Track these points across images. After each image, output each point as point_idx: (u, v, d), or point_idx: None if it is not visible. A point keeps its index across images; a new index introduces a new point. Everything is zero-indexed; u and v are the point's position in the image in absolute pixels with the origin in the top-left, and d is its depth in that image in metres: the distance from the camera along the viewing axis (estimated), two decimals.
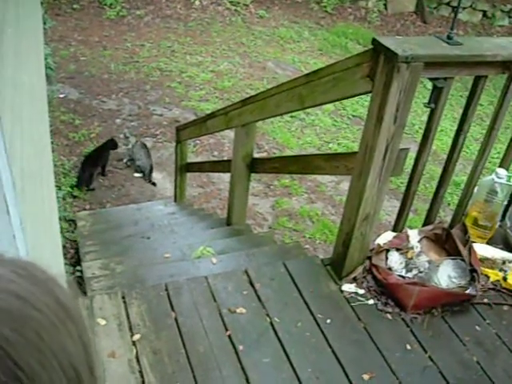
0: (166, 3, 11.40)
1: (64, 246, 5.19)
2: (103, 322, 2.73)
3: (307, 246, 5.83)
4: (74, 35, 10.14)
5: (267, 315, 2.82)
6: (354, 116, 8.68)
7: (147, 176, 6.78)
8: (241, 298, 2.91)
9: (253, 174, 4.33)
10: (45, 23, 6.23)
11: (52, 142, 6.70)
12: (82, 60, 9.46)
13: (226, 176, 4.83)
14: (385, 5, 12.68)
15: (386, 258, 3.07)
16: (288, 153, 7.46)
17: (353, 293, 2.98)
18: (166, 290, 2.94)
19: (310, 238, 6.04)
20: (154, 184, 6.74)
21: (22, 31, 2.23)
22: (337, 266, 3.07)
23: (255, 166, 4.15)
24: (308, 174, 3.54)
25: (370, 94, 2.58)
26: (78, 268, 4.15)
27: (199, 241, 4.10)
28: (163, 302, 2.86)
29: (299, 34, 11.54)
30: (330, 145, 7.88)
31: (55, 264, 2.66)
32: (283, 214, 6.39)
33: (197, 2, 11.54)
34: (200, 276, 3.09)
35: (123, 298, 2.91)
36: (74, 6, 10.79)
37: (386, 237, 3.18)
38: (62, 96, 8.19)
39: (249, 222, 5.53)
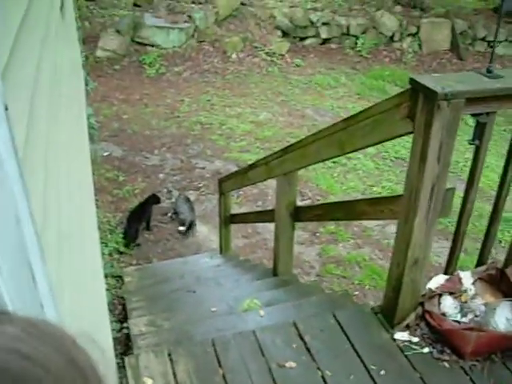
0: (204, 58, 11.62)
1: (112, 303, 5.19)
2: (150, 382, 2.67)
3: (356, 293, 5.68)
4: (115, 95, 10.40)
5: (318, 368, 2.70)
6: (396, 158, 8.56)
7: (187, 229, 6.79)
8: (290, 351, 2.81)
9: (298, 223, 4.26)
10: (87, 85, 6.37)
11: (97, 200, 6.80)
12: (125, 118, 9.66)
13: (271, 225, 4.77)
14: (419, 45, 12.67)
15: (439, 303, 2.93)
16: (332, 199, 7.37)
17: (406, 341, 2.85)
18: (213, 345, 2.87)
19: (358, 284, 5.89)
20: (180, 232, 6.75)
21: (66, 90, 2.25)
22: (388, 314, 2.95)
23: (299, 214, 4.09)
24: (353, 219, 3.45)
25: (411, 135, 2.51)
26: (126, 325, 4.12)
27: (246, 293, 4.02)
28: (210, 359, 2.78)
29: (336, 79, 11.58)
30: (374, 188, 7.77)
31: (100, 323, 2.61)
32: (330, 261, 6.26)
33: (233, 56, 11.74)
34: (247, 330, 3.01)
35: (169, 355, 2.84)
36: (115, 67, 11.09)
37: (438, 280, 3.04)
38: (105, 154, 8.34)
39: (296, 270, 5.44)
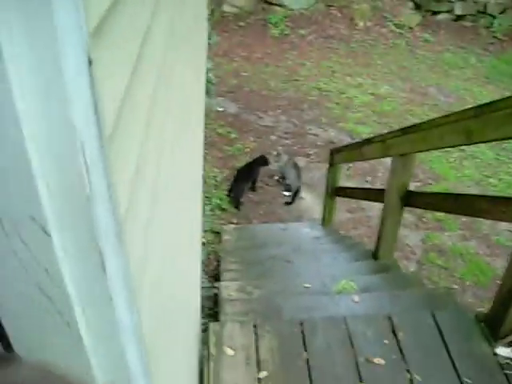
0: (330, 23, 11.26)
1: (207, 258, 5.19)
2: (231, 353, 2.56)
3: (455, 286, 5.35)
4: (237, 51, 10.31)
5: (407, 371, 2.49)
6: None
7: (293, 195, 6.65)
8: (380, 346, 2.61)
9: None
10: (209, 38, 6.31)
11: (206, 154, 6.82)
12: (243, 75, 9.57)
13: (377, 204, 4.55)
14: None
15: None
16: (444, 185, 6.97)
17: (509, 359, 2.57)
18: (301, 326, 2.71)
19: (460, 278, 5.54)
20: (287, 203, 6.63)
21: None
22: (493, 325, 2.67)
23: (410, 199, 3.82)
24: (468, 215, 3.14)
25: None
26: (217, 285, 4.07)
27: (342, 273, 3.84)
28: (296, 340, 2.63)
29: (465, 60, 10.90)
30: (491, 179, 7.26)
31: (191, 284, 2.53)
32: (433, 250, 5.93)
33: (360, 24, 11.29)
34: (339, 316, 2.83)
35: (255, 327, 2.72)
36: (240, 24, 10.98)
37: None
38: (220, 109, 8.30)
39: (396, 253, 5.18)
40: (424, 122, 3.28)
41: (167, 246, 1.58)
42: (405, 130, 3.55)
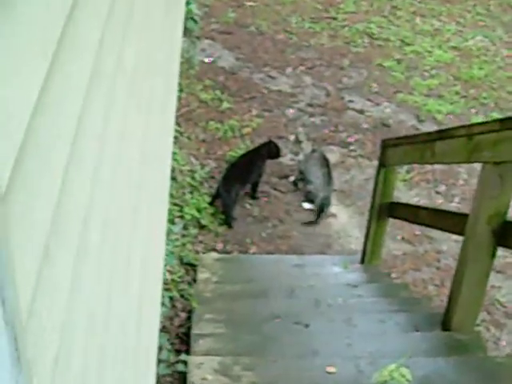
0: None
1: (172, 307, 5.12)
2: None
3: None
4: None
5: None
6: None
7: (317, 210, 6.58)
8: None
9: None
10: None
11: (180, 134, 6.72)
12: (247, 6, 9.50)
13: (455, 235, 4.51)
14: None
15: None
16: None
17: None
18: None
19: None
20: (308, 223, 6.60)
21: None
22: None
23: (507, 235, 3.74)
24: None
25: None
26: (184, 358, 4.03)
27: (391, 350, 3.81)
28: None
29: None
30: None
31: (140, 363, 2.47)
32: None
33: None
34: None
35: None
36: None
37: None
38: (207, 60, 8.24)
39: (481, 316, 5.12)
40: None
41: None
42: (506, 122, 3.47)
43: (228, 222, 6.35)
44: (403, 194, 6.55)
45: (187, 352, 4.07)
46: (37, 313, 1.10)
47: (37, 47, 1.13)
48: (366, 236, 5.92)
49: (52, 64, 1.19)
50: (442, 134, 4.35)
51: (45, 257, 1.17)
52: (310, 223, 6.56)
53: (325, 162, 6.72)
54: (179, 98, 4.72)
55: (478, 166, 3.96)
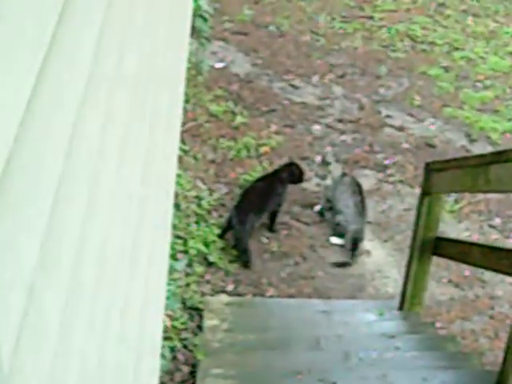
0: None
1: (172, 360, 5.11)
2: None
3: None
4: None
5: None
6: None
7: (349, 245, 6.59)
8: None
9: None
10: None
11: (185, 152, 6.74)
12: (267, 2, 9.55)
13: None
14: None
15: None
16: None
17: None
18: None
19: None
20: (344, 264, 6.61)
21: None
22: None
23: None
24: None
25: None
26: None
27: None
28: None
29: None
30: None
31: None
32: None
33: None
34: None
35: None
36: None
37: None
38: (219, 66, 8.28)
39: None
40: None
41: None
42: None
43: (244, 259, 6.34)
44: (451, 228, 6.55)
45: None
46: (20, 367, 1.09)
47: (24, 49, 1.11)
48: (406, 277, 5.91)
49: (41, 69, 1.20)
50: (499, 157, 4.35)
51: (29, 298, 1.15)
52: (342, 265, 6.55)
53: (357, 189, 6.74)
54: (185, 110, 4.73)
55: None
